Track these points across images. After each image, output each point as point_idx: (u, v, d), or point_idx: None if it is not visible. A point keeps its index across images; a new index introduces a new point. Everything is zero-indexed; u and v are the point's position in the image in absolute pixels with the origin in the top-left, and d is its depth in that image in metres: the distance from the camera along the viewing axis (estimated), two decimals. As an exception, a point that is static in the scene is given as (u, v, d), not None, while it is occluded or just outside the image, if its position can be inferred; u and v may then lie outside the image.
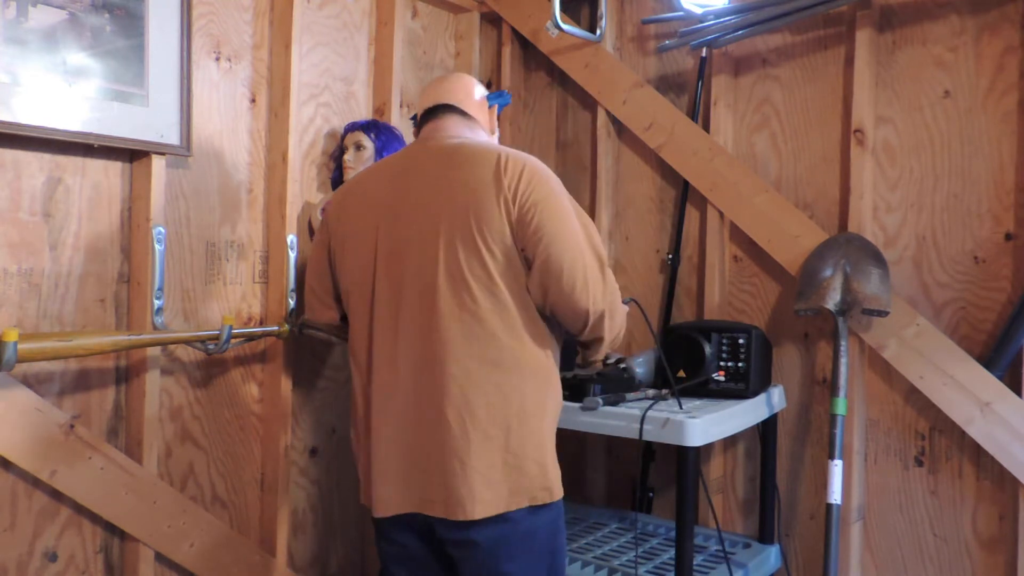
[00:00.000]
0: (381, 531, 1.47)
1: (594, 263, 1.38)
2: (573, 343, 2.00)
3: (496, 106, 1.60)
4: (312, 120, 2.10)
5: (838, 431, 1.83)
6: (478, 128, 1.53)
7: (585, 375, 1.93)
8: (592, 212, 2.47)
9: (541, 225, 1.32)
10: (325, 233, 1.55)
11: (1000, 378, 1.78)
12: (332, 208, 1.54)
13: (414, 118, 1.58)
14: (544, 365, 1.39)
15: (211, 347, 1.77)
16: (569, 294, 1.34)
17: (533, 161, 1.40)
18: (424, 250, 1.36)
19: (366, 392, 1.43)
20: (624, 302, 1.69)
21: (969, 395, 1.79)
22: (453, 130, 1.49)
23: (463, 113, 1.52)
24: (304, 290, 1.65)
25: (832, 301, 1.90)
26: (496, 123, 1.61)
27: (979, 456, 1.84)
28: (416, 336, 1.35)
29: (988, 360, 1.80)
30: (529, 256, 1.34)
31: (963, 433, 1.82)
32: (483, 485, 1.31)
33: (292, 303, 1.98)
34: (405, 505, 1.37)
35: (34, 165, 1.58)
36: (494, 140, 1.57)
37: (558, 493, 1.37)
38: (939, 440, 1.91)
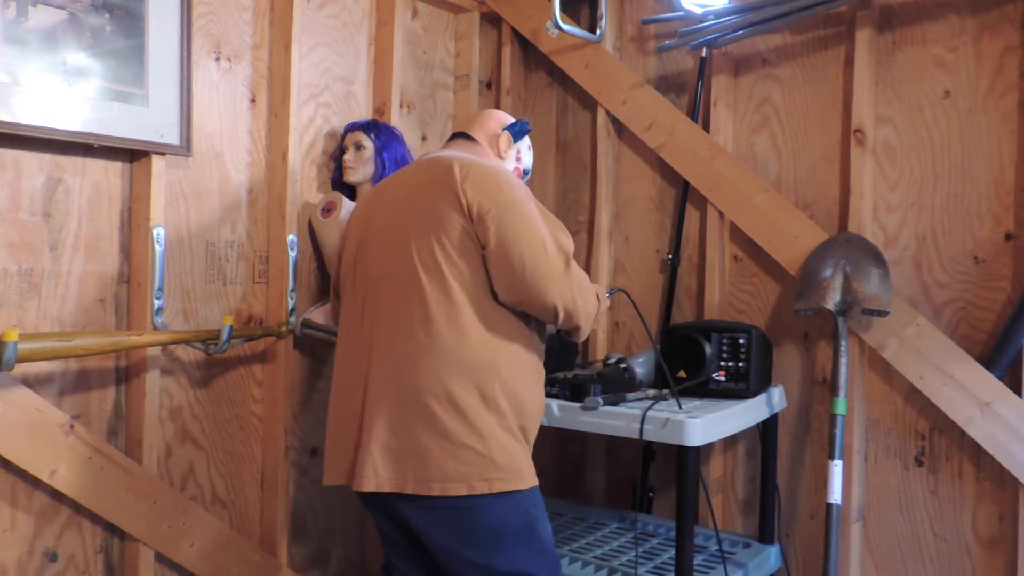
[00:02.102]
0: (368, 507, 1.52)
1: (557, 257, 1.41)
2: (571, 344, 2.01)
3: (507, 133, 1.65)
4: (312, 120, 2.10)
5: (838, 431, 1.83)
6: (480, 150, 1.60)
7: (585, 375, 1.94)
8: (592, 212, 2.47)
9: (498, 224, 1.37)
10: (341, 241, 1.66)
11: (1000, 378, 1.78)
12: (346, 227, 1.65)
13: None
14: (488, 358, 1.38)
15: (211, 347, 1.76)
16: (535, 290, 1.39)
17: (489, 164, 1.47)
18: (384, 246, 1.46)
19: (359, 374, 1.47)
20: (610, 293, 1.80)
21: (969, 395, 1.79)
22: (450, 150, 1.56)
23: (469, 138, 1.62)
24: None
25: (832, 301, 1.90)
26: (510, 149, 1.66)
27: (979, 456, 1.84)
28: (376, 322, 1.43)
29: (988, 360, 1.80)
30: (489, 257, 1.39)
31: (963, 433, 1.82)
32: (404, 463, 1.35)
33: (292, 303, 1.98)
34: (384, 484, 1.39)
35: (34, 165, 1.58)
36: (500, 163, 1.62)
37: (499, 486, 1.35)
38: (939, 440, 1.91)
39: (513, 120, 1.68)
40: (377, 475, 1.36)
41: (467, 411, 1.35)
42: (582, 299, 1.46)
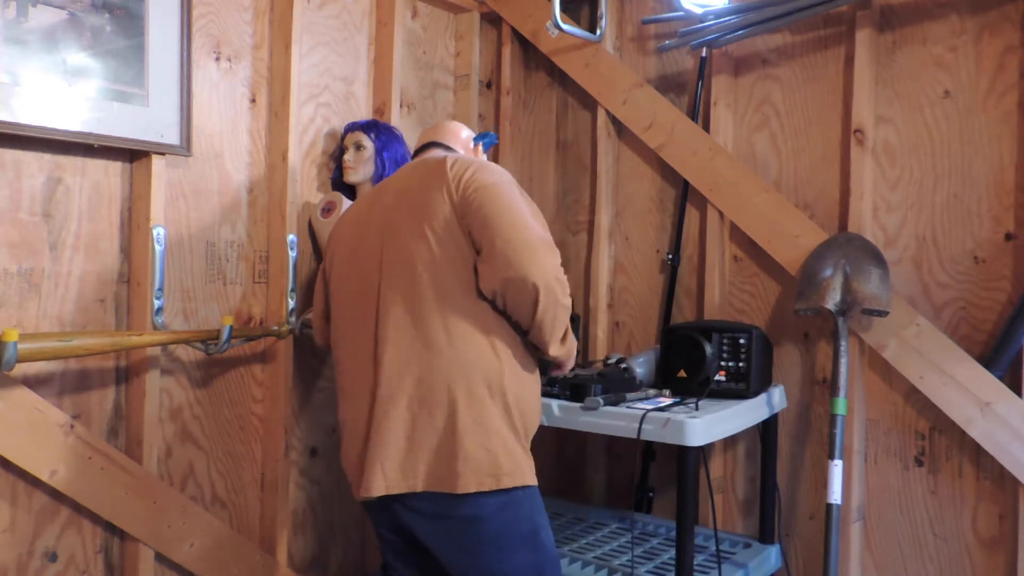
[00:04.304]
0: (373, 516, 1.52)
1: (540, 237, 1.37)
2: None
3: (480, 144, 1.71)
4: (312, 120, 2.10)
5: (838, 431, 1.83)
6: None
7: (585, 375, 1.94)
8: (592, 212, 2.47)
9: (484, 204, 1.37)
10: (324, 259, 1.64)
11: (1000, 378, 1.78)
12: (329, 238, 1.64)
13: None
14: (493, 361, 1.38)
15: (211, 347, 1.76)
16: (517, 266, 1.32)
17: (482, 160, 1.48)
18: (383, 245, 1.44)
19: (367, 382, 1.44)
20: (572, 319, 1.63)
21: (969, 395, 1.79)
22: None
23: (447, 147, 1.63)
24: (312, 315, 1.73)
25: (832, 301, 1.90)
26: (481, 158, 1.65)
27: (979, 456, 1.84)
28: (382, 326, 1.41)
29: (988, 360, 1.80)
30: (476, 237, 1.37)
31: (963, 433, 1.82)
32: (416, 463, 1.35)
33: (292, 303, 1.97)
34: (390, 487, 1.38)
35: (34, 165, 1.58)
36: None
37: (507, 482, 1.35)
38: (939, 440, 1.91)
39: (472, 132, 1.72)
40: (387, 478, 1.35)
41: (478, 412, 1.35)
42: (562, 291, 1.39)
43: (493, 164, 1.48)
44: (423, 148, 1.65)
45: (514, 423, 1.39)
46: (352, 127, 2.09)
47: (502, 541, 1.37)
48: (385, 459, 1.36)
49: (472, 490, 1.33)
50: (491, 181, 1.40)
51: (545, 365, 1.55)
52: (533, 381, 1.47)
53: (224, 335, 1.74)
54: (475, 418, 1.35)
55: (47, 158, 1.60)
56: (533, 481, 1.41)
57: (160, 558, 1.75)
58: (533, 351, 1.48)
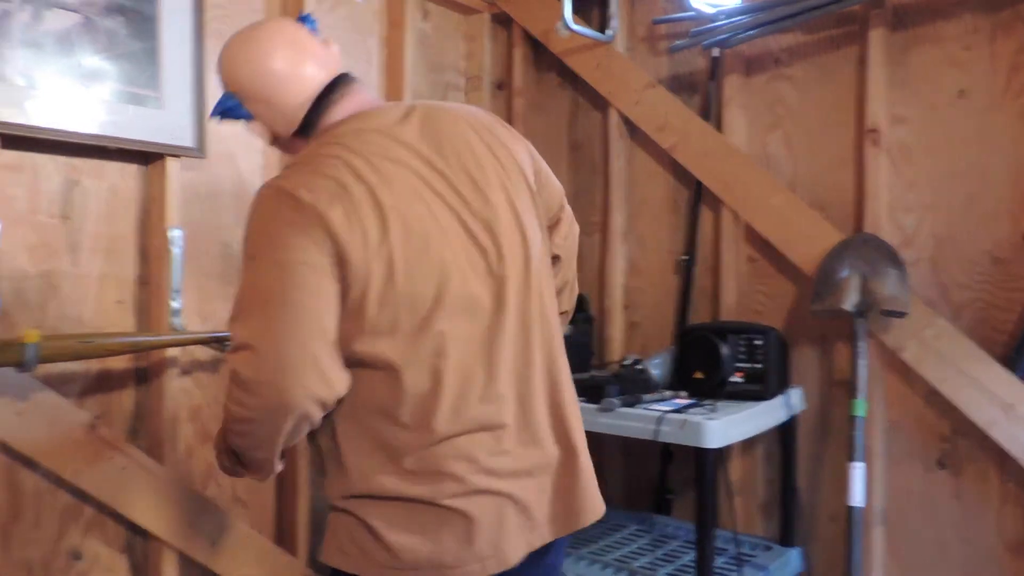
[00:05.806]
0: None
1: None
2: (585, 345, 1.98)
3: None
4: (326, 122, 2.09)
5: (858, 433, 1.82)
6: None
7: (602, 377, 1.93)
8: (605, 214, 2.46)
9: (556, 186, 1.29)
10: (326, 253, 0.99)
11: (1022, 379, 1.76)
12: (338, 219, 0.99)
13: (218, 113, 1.27)
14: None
15: (229, 347, 1.76)
16: (576, 242, 1.36)
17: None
18: (514, 236, 1.11)
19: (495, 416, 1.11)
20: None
21: (992, 397, 1.78)
22: (376, 94, 1.32)
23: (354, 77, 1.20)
24: (304, 356, 1.02)
25: (850, 302, 1.89)
26: None
27: (1003, 459, 1.82)
28: (539, 336, 1.15)
29: (1009, 361, 1.78)
30: (550, 206, 1.28)
31: (986, 435, 1.80)
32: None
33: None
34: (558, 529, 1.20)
35: (50, 167, 1.58)
36: None
37: None
38: (962, 442, 1.89)
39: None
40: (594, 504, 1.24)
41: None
42: None
43: None
44: (350, 81, 1.17)
45: None
46: (366, 129, 2.08)
47: None
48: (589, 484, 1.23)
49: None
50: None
51: None
52: None
53: (241, 337, 1.74)
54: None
55: (63, 161, 1.60)
56: None
57: (183, 557, 1.75)
58: None
